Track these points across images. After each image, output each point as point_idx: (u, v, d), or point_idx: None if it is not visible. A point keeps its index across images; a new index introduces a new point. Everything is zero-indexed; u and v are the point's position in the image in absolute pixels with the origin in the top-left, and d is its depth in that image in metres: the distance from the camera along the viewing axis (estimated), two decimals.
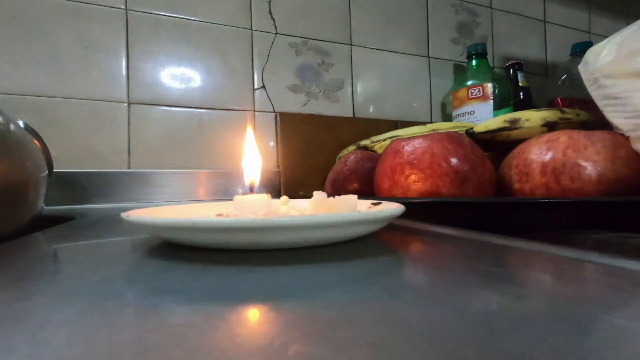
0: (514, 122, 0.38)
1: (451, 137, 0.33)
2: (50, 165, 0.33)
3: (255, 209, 0.19)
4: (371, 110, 0.70)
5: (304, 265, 0.13)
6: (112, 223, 0.28)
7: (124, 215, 0.16)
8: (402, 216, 0.20)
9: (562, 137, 0.29)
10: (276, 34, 0.63)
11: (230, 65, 0.60)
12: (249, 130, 0.26)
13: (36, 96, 0.49)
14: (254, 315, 0.09)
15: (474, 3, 0.81)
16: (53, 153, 0.35)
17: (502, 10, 0.84)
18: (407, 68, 0.74)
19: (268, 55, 0.62)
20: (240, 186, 0.58)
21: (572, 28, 0.93)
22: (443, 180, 0.31)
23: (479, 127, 0.41)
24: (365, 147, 0.53)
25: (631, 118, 0.27)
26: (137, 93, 0.54)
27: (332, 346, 0.07)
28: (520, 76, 0.70)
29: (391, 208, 0.17)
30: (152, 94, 0.55)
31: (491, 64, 0.78)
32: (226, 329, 0.08)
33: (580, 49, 0.67)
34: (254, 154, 0.25)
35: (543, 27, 0.89)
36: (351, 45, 0.69)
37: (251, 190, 0.24)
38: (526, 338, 0.07)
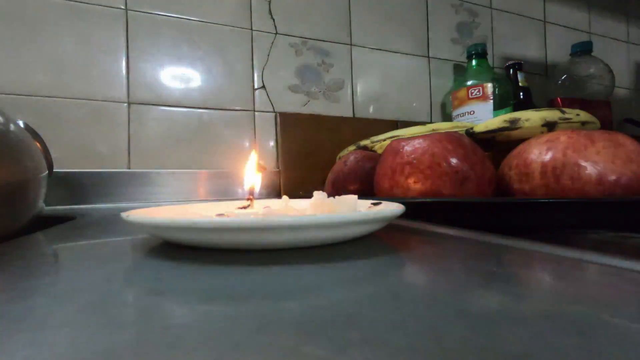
0: (514, 122, 0.38)
1: (451, 137, 0.33)
2: (50, 165, 0.33)
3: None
4: (371, 110, 0.70)
5: (304, 265, 0.13)
6: (112, 223, 0.28)
7: (123, 215, 0.16)
8: (402, 216, 0.20)
9: (562, 137, 0.29)
10: (276, 34, 0.63)
11: (230, 65, 0.60)
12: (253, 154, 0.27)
13: (36, 96, 0.49)
14: (253, 315, 0.09)
15: (474, 3, 0.81)
16: (53, 153, 0.35)
17: (502, 10, 0.84)
18: (407, 68, 0.74)
19: (268, 55, 0.62)
20: (240, 187, 0.58)
21: (572, 28, 0.93)
22: (443, 180, 0.31)
23: (479, 127, 0.41)
24: (365, 147, 0.53)
25: None
26: (137, 93, 0.54)
27: (332, 346, 0.07)
28: (520, 76, 0.70)
29: (391, 208, 0.17)
30: (152, 94, 0.55)
31: (491, 64, 0.78)
32: (226, 329, 0.08)
33: (580, 49, 0.67)
34: (254, 170, 0.25)
35: (543, 27, 0.89)
36: (351, 45, 0.69)
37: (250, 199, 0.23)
38: (526, 338, 0.07)
